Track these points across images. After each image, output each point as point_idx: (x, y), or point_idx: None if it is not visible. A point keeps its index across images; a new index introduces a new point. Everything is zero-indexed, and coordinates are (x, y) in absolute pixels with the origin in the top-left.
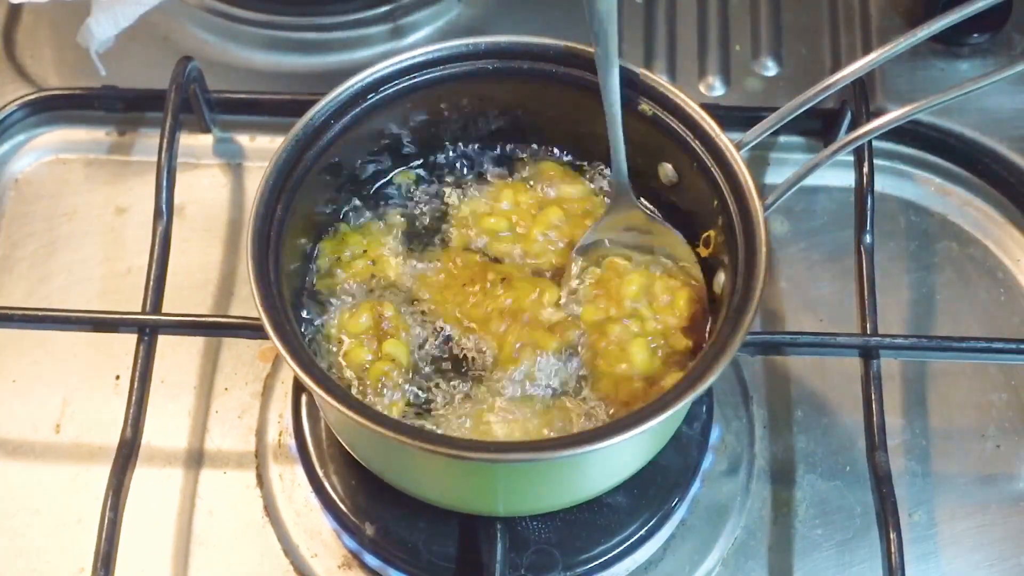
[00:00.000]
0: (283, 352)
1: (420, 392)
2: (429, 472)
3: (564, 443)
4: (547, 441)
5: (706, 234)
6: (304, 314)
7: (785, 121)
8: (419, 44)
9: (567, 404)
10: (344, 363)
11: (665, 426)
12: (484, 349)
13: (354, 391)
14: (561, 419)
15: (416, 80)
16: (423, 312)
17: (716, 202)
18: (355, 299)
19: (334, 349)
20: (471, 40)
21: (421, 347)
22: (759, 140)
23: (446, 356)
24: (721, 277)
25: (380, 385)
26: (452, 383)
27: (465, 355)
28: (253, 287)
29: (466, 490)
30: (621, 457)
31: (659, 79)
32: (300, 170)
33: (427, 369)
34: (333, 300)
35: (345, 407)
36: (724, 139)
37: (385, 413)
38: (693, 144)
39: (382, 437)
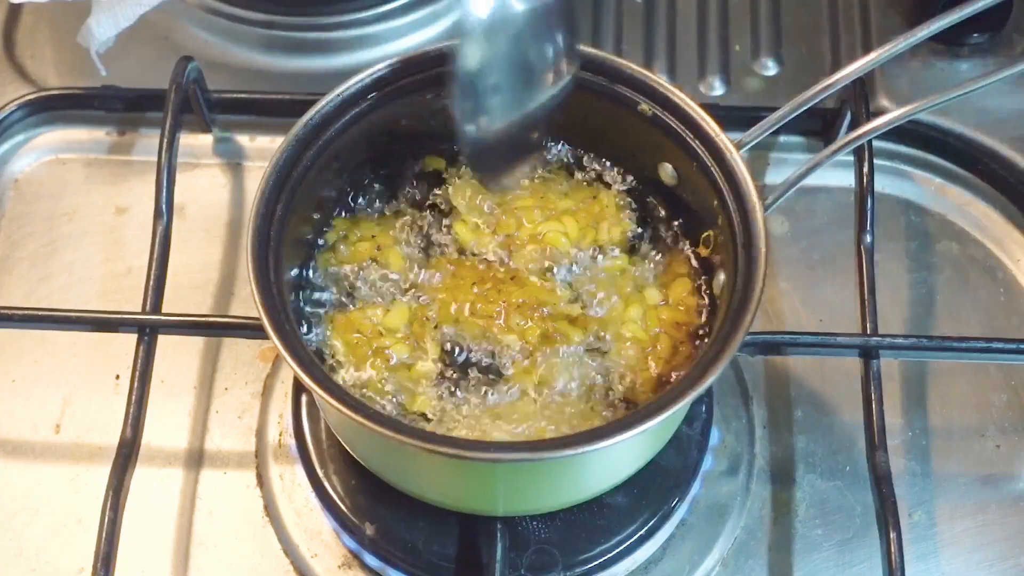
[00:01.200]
0: (283, 352)
1: (448, 393)
2: (429, 472)
3: (564, 443)
4: (547, 441)
5: (706, 234)
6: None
7: (785, 121)
8: (420, 45)
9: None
10: (356, 359)
11: (665, 426)
12: (504, 346)
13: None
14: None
15: (416, 79)
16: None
17: (716, 202)
18: (363, 296)
19: (342, 349)
20: None
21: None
22: (759, 140)
23: (464, 357)
24: (721, 277)
25: (419, 383)
26: (473, 384)
27: (483, 355)
28: (253, 287)
29: (466, 490)
30: (621, 457)
31: (659, 79)
32: (300, 169)
33: (448, 371)
34: (344, 297)
35: (345, 407)
36: (724, 139)
37: (413, 409)
38: (693, 144)
39: (382, 437)
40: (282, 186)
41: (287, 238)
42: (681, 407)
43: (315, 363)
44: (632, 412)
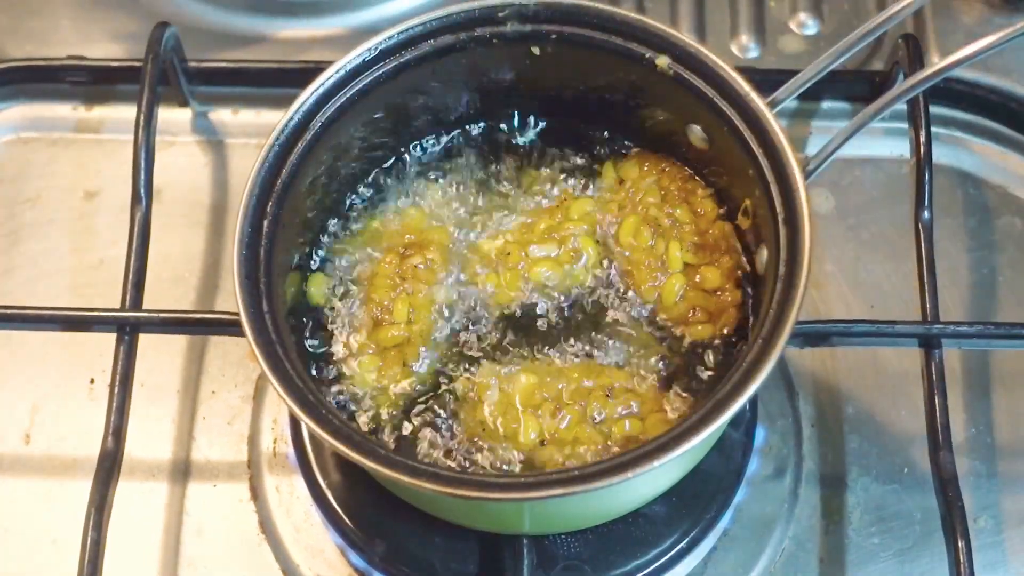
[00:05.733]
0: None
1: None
2: (449, 500)
3: (598, 474)
4: (578, 475)
5: (745, 204)
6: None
7: (824, 72)
8: (419, 5)
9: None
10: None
11: (707, 440)
12: None
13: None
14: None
15: (441, 44)
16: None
17: (751, 170)
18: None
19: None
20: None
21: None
22: (798, 103)
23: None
24: (764, 253)
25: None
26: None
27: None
28: (238, 294)
29: (489, 515)
30: (659, 475)
31: (679, 34)
32: (303, 148)
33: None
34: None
35: (349, 447)
36: (754, 97)
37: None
38: (720, 104)
39: (386, 477)
40: (278, 171)
41: (286, 224)
42: (723, 421)
43: (312, 394)
44: (672, 430)
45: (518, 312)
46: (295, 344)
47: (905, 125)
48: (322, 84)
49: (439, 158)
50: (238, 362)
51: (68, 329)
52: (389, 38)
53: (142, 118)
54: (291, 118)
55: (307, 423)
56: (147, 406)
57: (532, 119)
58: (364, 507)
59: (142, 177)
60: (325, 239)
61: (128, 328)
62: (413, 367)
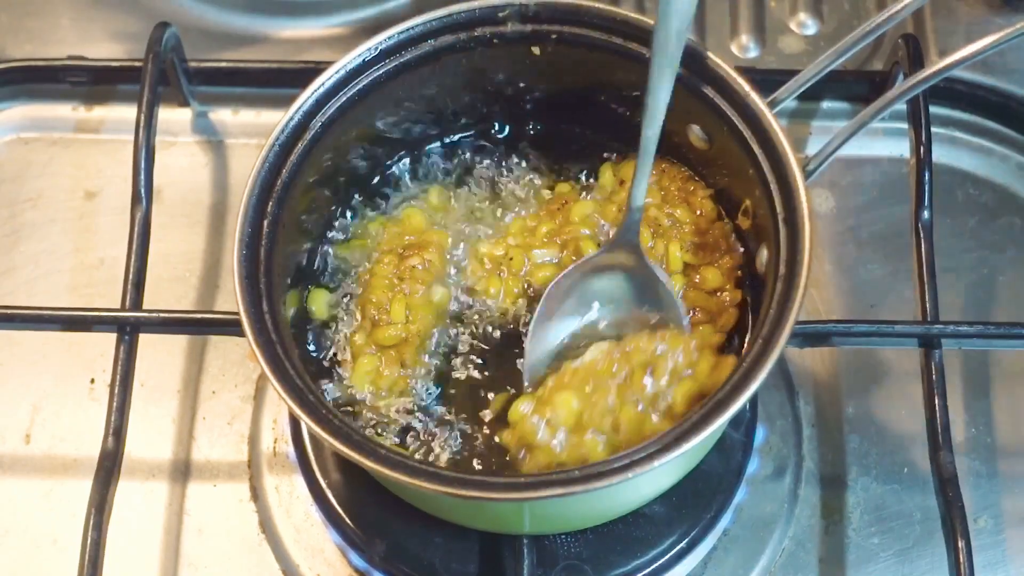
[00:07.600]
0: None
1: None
2: (449, 500)
3: (598, 474)
4: (580, 474)
5: (745, 204)
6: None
7: (824, 72)
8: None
9: None
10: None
11: (707, 440)
12: None
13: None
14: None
15: (441, 44)
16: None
17: (751, 170)
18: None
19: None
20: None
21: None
22: (798, 103)
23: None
24: (764, 253)
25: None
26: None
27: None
28: (238, 294)
29: (489, 515)
30: (660, 475)
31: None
32: (303, 148)
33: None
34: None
35: (349, 448)
36: (754, 97)
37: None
38: (720, 104)
39: (386, 477)
40: (278, 171)
41: (285, 224)
42: (723, 421)
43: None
44: (672, 430)
45: (518, 313)
46: (294, 344)
47: (905, 125)
48: (322, 84)
49: (439, 159)
50: (238, 362)
51: (68, 329)
52: (389, 38)
53: (142, 118)
54: (291, 118)
55: (307, 423)
56: (147, 406)
57: (532, 120)
58: (364, 507)
59: (142, 177)
60: (325, 239)
61: (128, 328)
62: (411, 367)
